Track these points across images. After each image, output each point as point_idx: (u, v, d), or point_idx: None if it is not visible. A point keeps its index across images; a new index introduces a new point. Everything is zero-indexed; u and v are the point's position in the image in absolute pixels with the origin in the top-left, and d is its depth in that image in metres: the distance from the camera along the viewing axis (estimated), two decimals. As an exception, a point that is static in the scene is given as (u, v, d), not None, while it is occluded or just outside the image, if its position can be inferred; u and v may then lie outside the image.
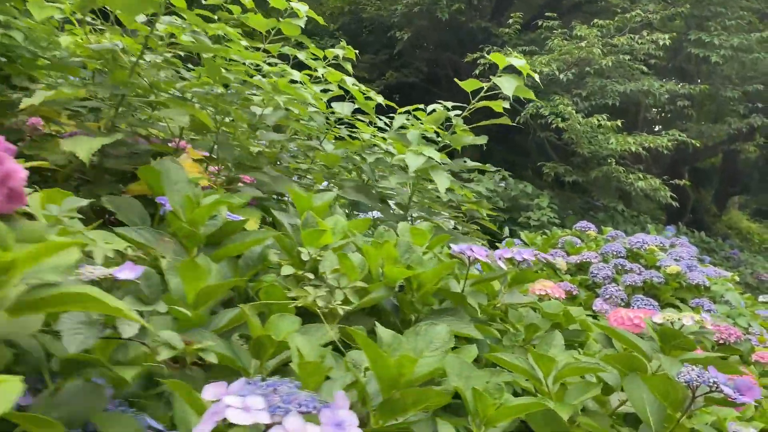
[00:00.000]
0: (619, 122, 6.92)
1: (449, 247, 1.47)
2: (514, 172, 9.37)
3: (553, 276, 4.30)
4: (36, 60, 1.84)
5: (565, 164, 7.73)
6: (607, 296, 3.78)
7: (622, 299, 3.76)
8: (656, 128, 7.52)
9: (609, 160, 6.93)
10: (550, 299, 2.02)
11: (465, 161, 2.32)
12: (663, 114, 11.33)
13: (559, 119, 6.86)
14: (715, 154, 15.54)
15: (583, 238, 4.84)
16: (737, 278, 4.91)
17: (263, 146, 2.25)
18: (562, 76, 7.09)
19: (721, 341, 3.24)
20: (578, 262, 4.37)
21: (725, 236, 15.22)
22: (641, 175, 7.02)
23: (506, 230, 6.43)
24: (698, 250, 11.30)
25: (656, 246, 4.63)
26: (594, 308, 3.84)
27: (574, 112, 6.70)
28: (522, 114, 7.22)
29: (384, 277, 1.23)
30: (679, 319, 1.32)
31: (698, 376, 0.98)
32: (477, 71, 7.53)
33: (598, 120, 6.76)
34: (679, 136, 7.37)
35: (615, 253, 4.26)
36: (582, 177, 7.58)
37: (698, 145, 7.68)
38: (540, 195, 6.96)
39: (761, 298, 7.22)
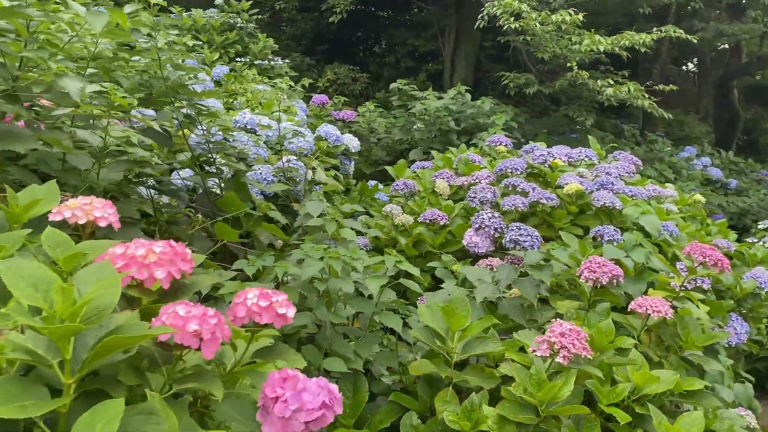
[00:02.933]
0: (581, 16, 5.66)
1: None
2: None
3: (436, 202, 3.41)
4: None
5: (531, 74, 6.54)
6: (477, 225, 2.89)
7: (497, 229, 2.87)
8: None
9: (569, 64, 5.68)
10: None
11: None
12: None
13: (512, 18, 5.67)
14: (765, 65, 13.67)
15: (493, 155, 3.88)
16: (701, 198, 3.85)
17: None
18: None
19: (590, 282, 2.33)
20: (465, 184, 3.46)
21: (783, 160, 13.52)
22: (610, 81, 5.76)
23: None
24: (722, 173, 9.95)
25: (581, 161, 3.64)
26: (463, 242, 2.98)
27: (527, 7, 5.48)
28: (480, 16, 6.07)
29: None
30: None
31: None
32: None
33: (562, 16, 5.54)
34: (674, 32, 6.05)
35: (512, 170, 3.31)
36: (549, 89, 6.39)
37: (695, 40, 6.34)
38: (499, 112, 5.91)
39: (762, 225, 6.03)
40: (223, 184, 2.68)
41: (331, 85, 9.90)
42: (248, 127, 4.11)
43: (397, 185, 3.52)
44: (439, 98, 6.30)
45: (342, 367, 1.90)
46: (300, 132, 3.32)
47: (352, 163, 4.69)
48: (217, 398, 0.92)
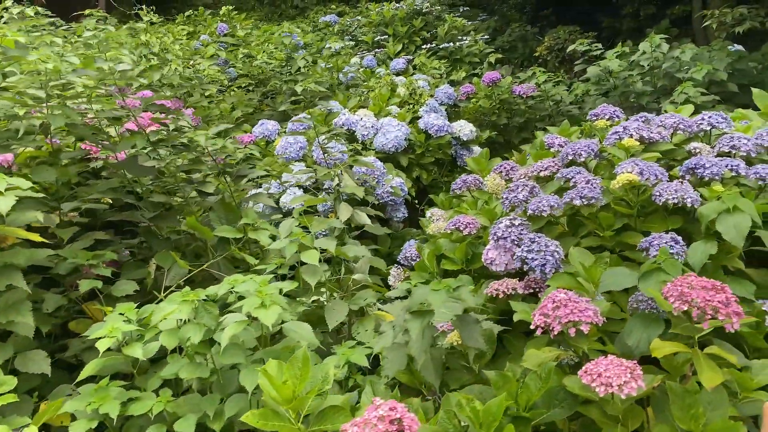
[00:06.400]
0: None
1: None
2: None
3: (490, 203, 2.87)
4: None
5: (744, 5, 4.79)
6: (493, 236, 2.36)
7: (514, 241, 2.31)
8: None
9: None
10: None
11: None
12: None
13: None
14: None
15: (595, 132, 3.06)
16: None
17: None
18: None
19: (540, 331, 1.71)
20: (523, 178, 2.82)
21: None
22: None
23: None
24: None
25: (705, 132, 2.69)
26: (483, 258, 2.47)
27: None
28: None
29: None
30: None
31: None
32: None
33: None
34: None
35: (576, 156, 2.62)
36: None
37: None
38: (702, 62, 4.55)
39: None
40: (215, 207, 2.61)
41: (550, 52, 9.00)
42: (345, 128, 3.98)
43: (455, 185, 3.02)
44: (626, 54, 5.24)
45: (190, 428, 1.69)
46: (336, 135, 3.05)
47: (474, 152, 4.16)
48: None
